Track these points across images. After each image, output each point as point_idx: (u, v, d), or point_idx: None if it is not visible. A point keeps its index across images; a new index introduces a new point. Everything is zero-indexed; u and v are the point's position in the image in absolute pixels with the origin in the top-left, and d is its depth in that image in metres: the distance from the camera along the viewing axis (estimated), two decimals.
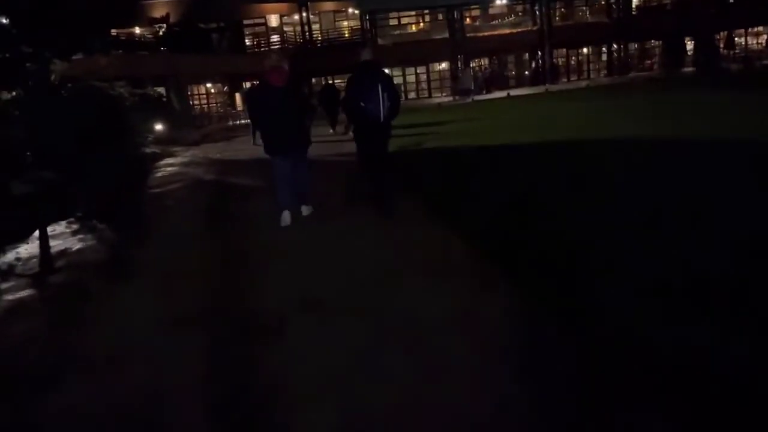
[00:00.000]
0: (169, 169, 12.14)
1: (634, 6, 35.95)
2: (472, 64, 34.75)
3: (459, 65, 34.19)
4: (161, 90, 25.11)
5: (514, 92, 29.46)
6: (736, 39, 36.04)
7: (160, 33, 34.16)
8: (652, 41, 37.29)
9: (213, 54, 28.85)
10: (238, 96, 31.81)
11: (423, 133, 12.66)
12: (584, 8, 37.34)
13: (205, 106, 31.31)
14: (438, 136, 12.38)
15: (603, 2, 36.39)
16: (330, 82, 23.90)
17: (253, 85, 7.11)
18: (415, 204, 6.19)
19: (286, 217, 5.74)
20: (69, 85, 6.64)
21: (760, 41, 36.98)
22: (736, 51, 35.06)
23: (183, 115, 24.80)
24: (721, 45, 35.60)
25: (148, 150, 15.08)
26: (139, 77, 23.27)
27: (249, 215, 6.62)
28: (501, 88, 32.21)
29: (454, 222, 5.31)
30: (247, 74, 31.26)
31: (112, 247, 6.00)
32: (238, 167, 11.38)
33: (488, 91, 30.12)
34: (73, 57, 6.76)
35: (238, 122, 29.33)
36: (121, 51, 26.66)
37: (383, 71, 5.81)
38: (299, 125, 5.72)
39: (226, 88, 31.46)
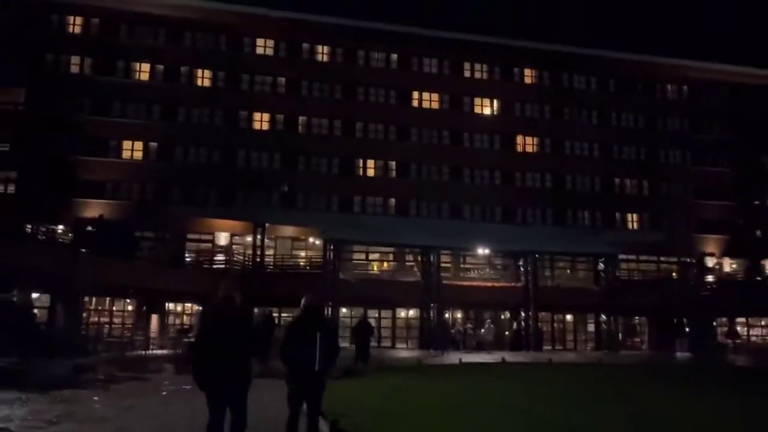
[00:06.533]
0: None
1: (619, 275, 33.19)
2: (446, 315, 29.94)
3: (431, 314, 29.19)
4: (42, 297, 18.63)
5: (505, 357, 23.80)
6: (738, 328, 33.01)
7: (83, 231, 26.40)
8: (637, 318, 33.98)
9: (134, 263, 23.04)
10: (154, 319, 25.32)
11: None
12: (569, 271, 34.47)
13: (108, 326, 23.97)
14: None
15: (589, 268, 33.68)
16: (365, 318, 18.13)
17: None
18: None
19: None
20: None
21: (763, 333, 34.09)
22: (738, 341, 31.65)
23: (66, 335, 17.81)
24: (722, 333, 32.41)
25: None
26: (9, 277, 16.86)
27: None
28: (477, 350, 26.99)
29: None
30: (175, 292, 25.31)
31: None
32: None
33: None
34: None
35: (147, 352, 22.38)
36: None
37: (325, 319, 6.19)
38: (243, 363, 5.17)
39: (144, 307, 24.78)
